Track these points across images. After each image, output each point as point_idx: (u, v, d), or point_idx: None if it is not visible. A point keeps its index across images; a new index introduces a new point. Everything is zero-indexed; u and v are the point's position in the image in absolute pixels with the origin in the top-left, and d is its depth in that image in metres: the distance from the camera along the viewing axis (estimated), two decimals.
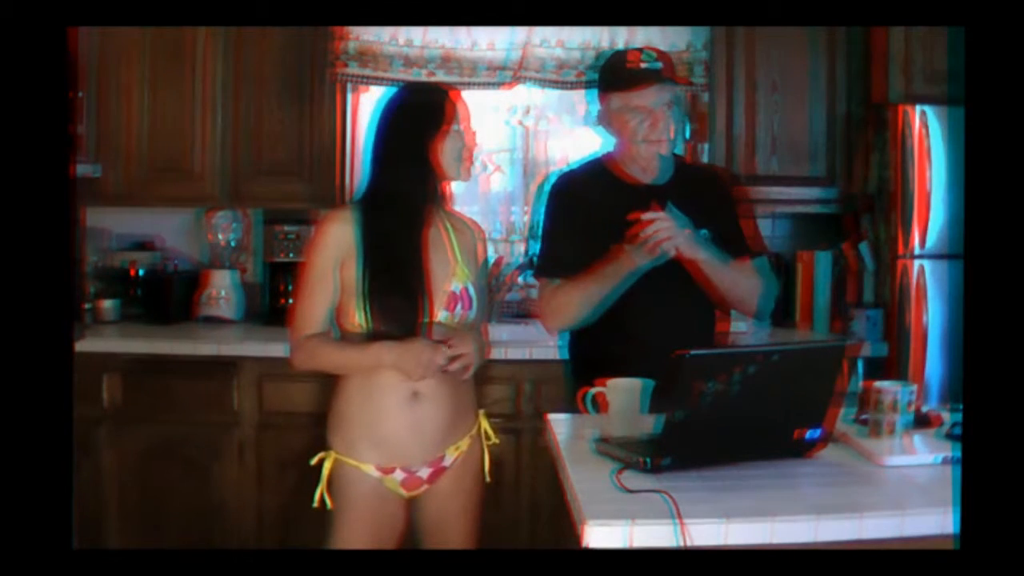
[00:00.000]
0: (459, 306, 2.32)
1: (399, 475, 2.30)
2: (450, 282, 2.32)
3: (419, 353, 2.19)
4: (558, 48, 3.84)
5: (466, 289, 2.34)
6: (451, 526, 2.38)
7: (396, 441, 2.28)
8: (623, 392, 2.16)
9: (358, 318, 2.25)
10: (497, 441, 2.48)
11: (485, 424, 2.46)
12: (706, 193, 2.59)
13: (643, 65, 2.48)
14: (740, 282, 2.52)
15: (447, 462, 2.34)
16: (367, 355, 2.24)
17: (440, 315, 2.30)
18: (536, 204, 2.67)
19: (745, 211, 2.66)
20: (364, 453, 2.29)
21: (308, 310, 2.30)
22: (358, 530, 2.29)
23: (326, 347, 2.30)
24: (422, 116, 2.29)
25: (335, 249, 2.26)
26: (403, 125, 2.29)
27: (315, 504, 2.30)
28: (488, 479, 2.44)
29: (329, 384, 3.45)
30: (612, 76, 2.53)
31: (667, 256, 2.32)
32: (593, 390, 2.21)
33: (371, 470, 2.28)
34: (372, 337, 2.24)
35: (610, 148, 2.61)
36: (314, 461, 2.33)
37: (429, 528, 2.39)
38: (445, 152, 2.28)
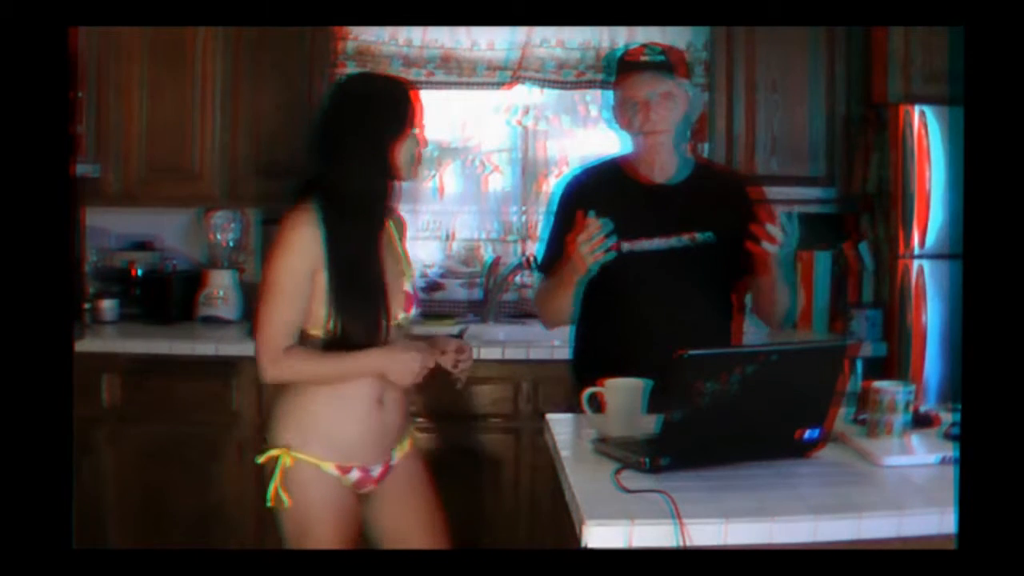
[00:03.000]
0: (413, 306, 2.36)
1: (355, 474, 2.29)
2: (404, 282, 2.34)
3: (411, 361, 2.22)
4: (558, 48, 3.84)
5: (414, 287, 2.39)
6: (411, 525, 2.39)
7: (359, 442, 2.29)
8: (622, 392, 2.16)
9: (326, 325, 2.21)
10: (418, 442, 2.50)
11: (411, 427, 2.48)
12: (725, 198, 2.57)
13: (643, 58, 2.49)
14: (783, 300, 2.52)
15: (393, 461, 2.37)
16: (359, 364, 2.23)
17: (399, 316, 2.31)
18: (548, 203, 2.71)
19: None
20: (324, 452, 2.24)
21: (283, 320, 2.20)
22: (321, 529, 2.26)
23: (310, 360, 2.23)
24: (390, 115, 2.24)
25: (307, 256, 2.19)
26: (370, 121, 2.23)
27: (270, 503, 2.24)
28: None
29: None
30: (614, 71, 2.55)
31: (594, 270, 2.32)
32: (592, 390, 2.21)
33: (330, 468, 2.26)
34: (336, 343, 2.22)
35: (628, 149, 2.61)
36: (263, 459, 2.27)
37: (388, 529, 2.39)
38: (402, 153, 2.25)
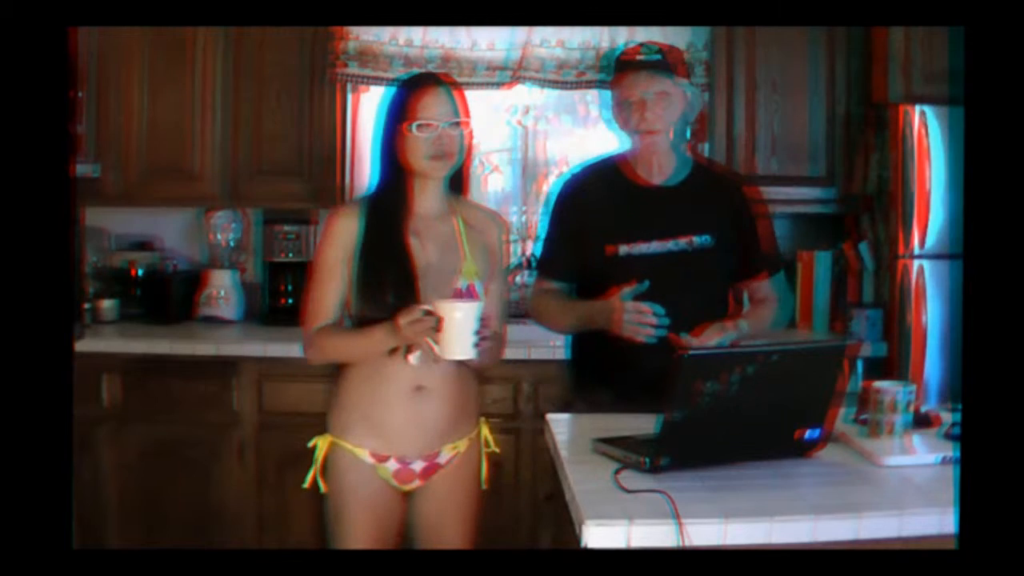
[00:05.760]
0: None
1: (392, 465, 2.30)
2: (457, 278, 2.30)
3: (406, 314, 2.12)
4: (558, 48, 3.84)
5: (473, 286, 2.31)
6: (446, 527, 2.38)
7: (394, 431, 2.29)
8: (455, 310, 2.10)
9: (354, 311, 2.29)
10: (497, 450, 2.46)
11: (486, 431, 2.45)
12: (723, 200, 2.57)
13: (639, 57, 2.49)
14: (763, 319, 2.58)
15: (442, 459, 2.34)
16: (370, 338, 2.23)
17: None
18: (546, 202, 2.71)
19: (764, 220, 2.65)
20: (360, 439, 2.30)
21: (317, 303, 2.31)
22: (354, 516, 2.30)
23: (335, 337, 2.30)
24: (388, 112, 2.30)
25: (341, 242, 2.29)
26: (377, 123, 2.32)
27: (305, 485, 2.31)
28: (484, 486, 2.43)
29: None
30: (612, 70, 2.55)
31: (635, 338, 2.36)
32: (424, 307, 2.12)
33: (365, 456, 2.29)
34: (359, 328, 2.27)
35: (626, 147, 2.61)
36: (311, 444, 2.33)
37: (424, 527, 2.39)
38: (409, 147, 2.26)
